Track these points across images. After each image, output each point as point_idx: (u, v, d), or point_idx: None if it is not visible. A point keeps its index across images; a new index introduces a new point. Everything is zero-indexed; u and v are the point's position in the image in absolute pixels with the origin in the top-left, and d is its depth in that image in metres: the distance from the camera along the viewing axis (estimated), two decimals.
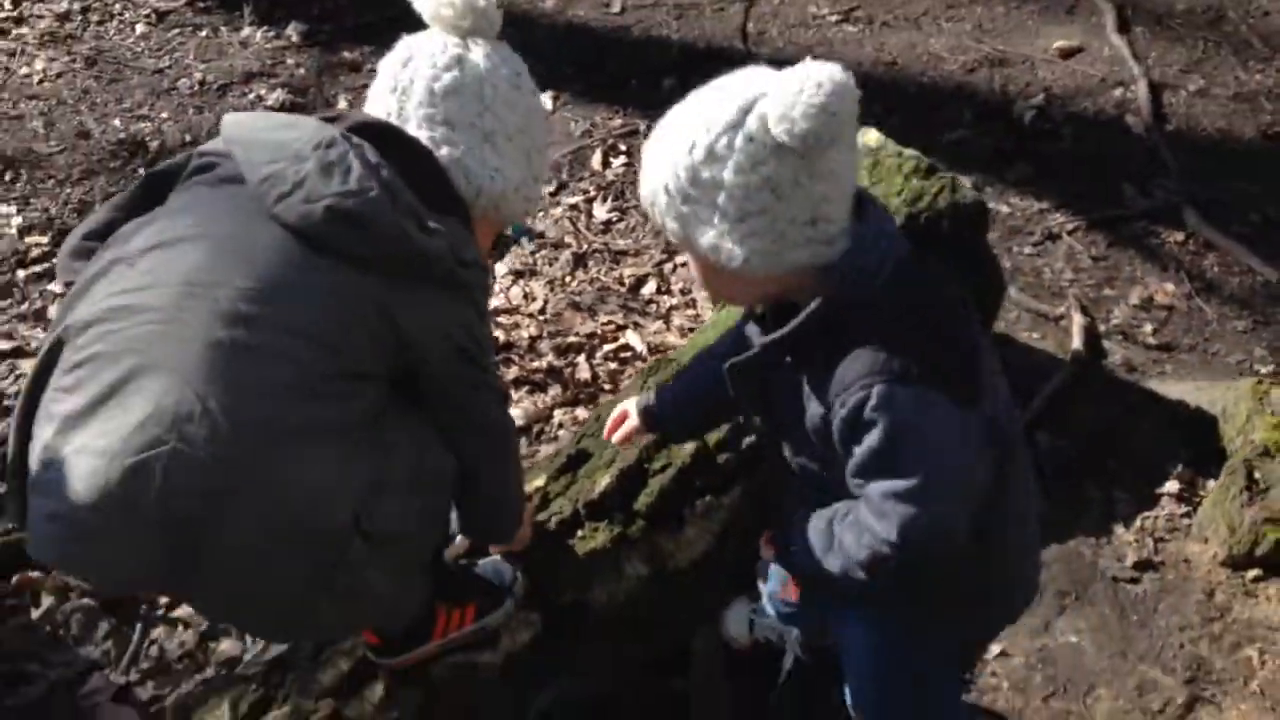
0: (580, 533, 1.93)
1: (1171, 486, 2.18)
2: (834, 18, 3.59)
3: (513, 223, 1.69)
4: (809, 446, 1.32)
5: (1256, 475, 2.02)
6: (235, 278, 1.25)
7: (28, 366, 2.53)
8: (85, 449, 1.19)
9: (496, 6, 1.49)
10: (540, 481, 2.01)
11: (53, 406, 1.25)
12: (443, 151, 1.46)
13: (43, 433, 1.25)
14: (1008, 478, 1.34)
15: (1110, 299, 2.61)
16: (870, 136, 2.32)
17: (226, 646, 2.01)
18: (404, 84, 1.47)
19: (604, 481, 1.96)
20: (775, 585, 1.75)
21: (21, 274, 2.98)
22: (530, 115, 1.53)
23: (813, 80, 1.12)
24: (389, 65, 1.50)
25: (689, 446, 1.98)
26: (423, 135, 1.46)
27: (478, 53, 1.49)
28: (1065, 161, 2.97)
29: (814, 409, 1.26)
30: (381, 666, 1.75)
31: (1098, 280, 2.66)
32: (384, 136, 1.41)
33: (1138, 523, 2.14)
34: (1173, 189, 2.83)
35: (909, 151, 2.27)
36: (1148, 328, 2.53)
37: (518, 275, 2.84)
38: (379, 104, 1.49)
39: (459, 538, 1.92)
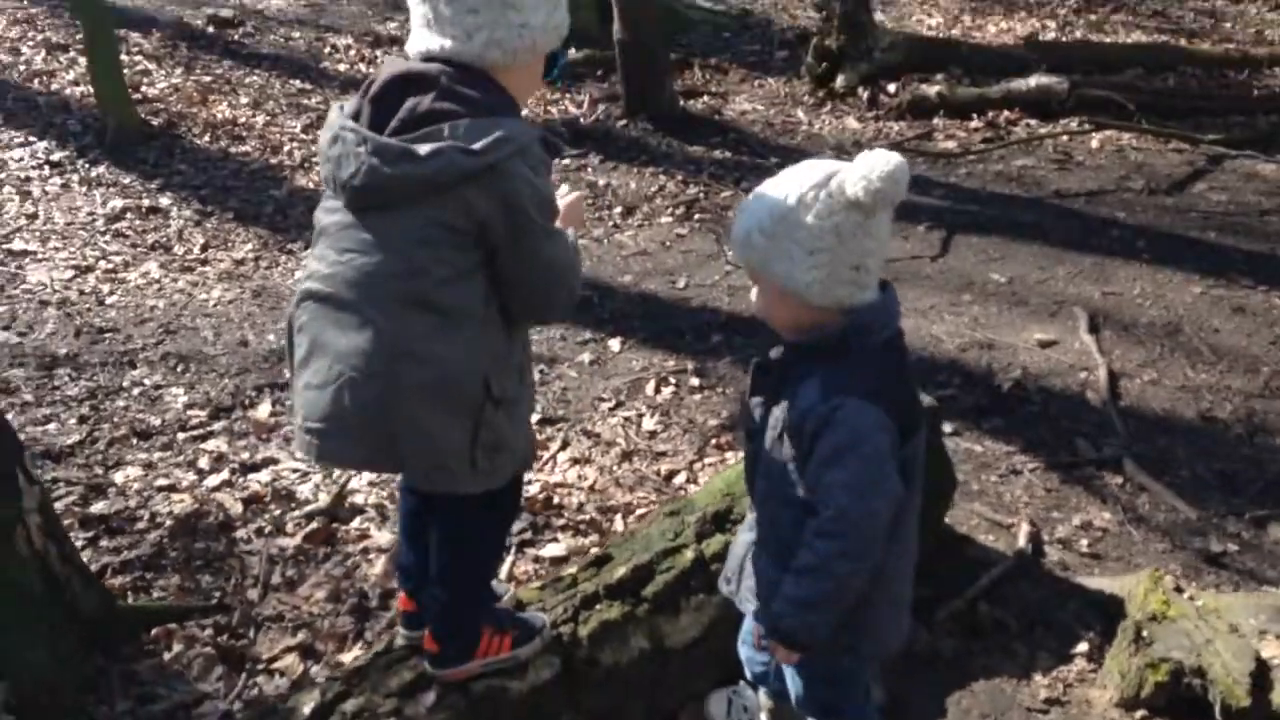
0: (599, 607, 2.48)
1: (1083, 648, 2.66)
2: None
3: (551, 50, 1.94)
4: (777, 453, 1.89)
5: (1144, 633, 2.51)
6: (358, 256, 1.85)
7: (178, 499, 3.29)
8: (307, 385, 1.88)
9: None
10: (573, 570, 2.60)
11: (295, 361, 1.93)
12: (477, 37, 1.81)
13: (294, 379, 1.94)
14: (904, 511, 1.92)
15: (1056, 520, 3.17)
16: None
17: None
18: None
19: (621, 572, 2.54)
20: (747, 635, 2.28)
21: (181, 436, 3.74)
22: None
23: (884, 157, 1.72)
24: None
25: (690, 553, 2.56)
26: (458, 28, 1.81)
27: None
28: (1033, 420, 3.62)
29: (800, 406, 1.80)
30: (435, 677, 2.28)
31: (1048, 506, 3.23)
32: (396, 86, 1.82)
33: (1053, 673, 2.61)
34: (1118, 446, 3.45)
35: None
36: (1084, 542, 3.07)
37: (575, 461, 3.52)
38: (416, 14, 1.85)
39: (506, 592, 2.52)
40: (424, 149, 1.74)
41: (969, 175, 5.63)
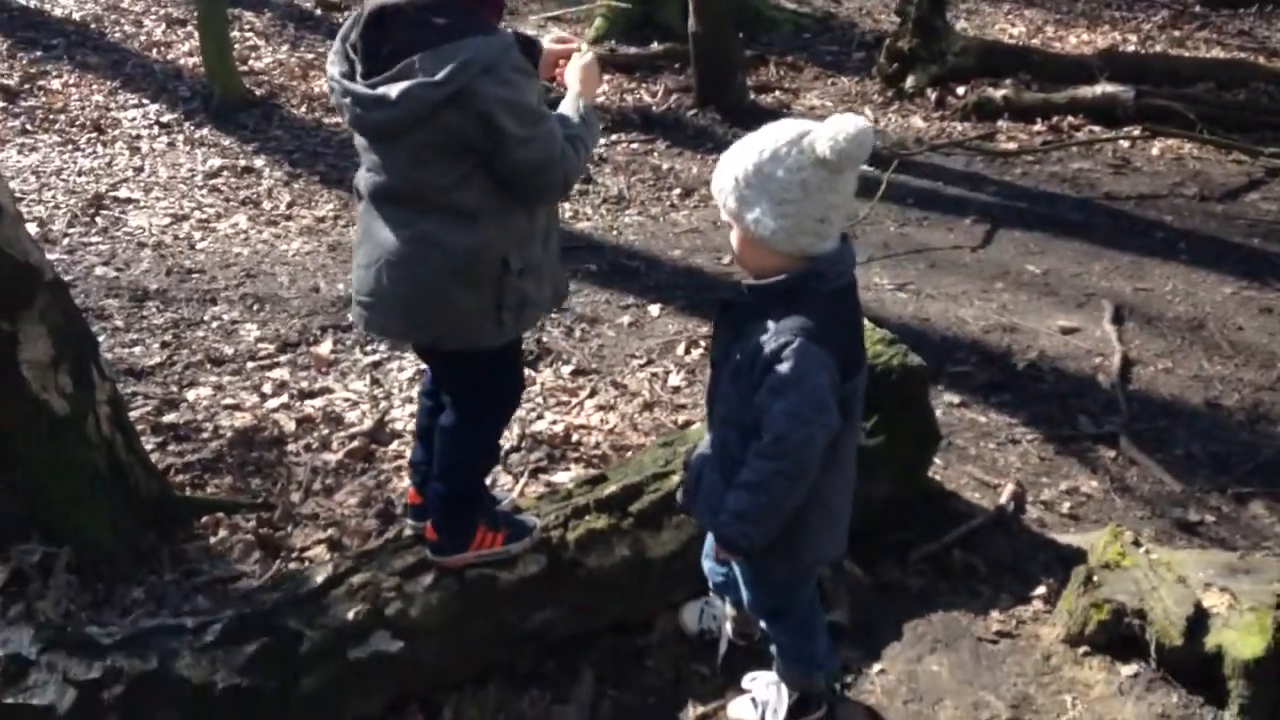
0: (588, 517, 2.73)
1: (1040, 591, 2.82)
2: (890, 287, 4.58)
3: None
4: (733, 383, 2.11)
5: (1095, 578, 2.67)
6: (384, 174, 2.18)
7: (240, 416, 3.64)
8: (358, 265, 2.24)
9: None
10: (571, 486, 2.86)
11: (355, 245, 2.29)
12: None
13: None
14: (843, 439, 2.14)
15: (1044, 484, 3.32)
16: None
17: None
18: None
19: (611, 489, 2.79)
20: (709, 549, 2.51)
21: (250, 364, 4.09)
22: None
23: (851, 120, 1.93)
24: None
25: (676, 478, 2.79)
26: None
27: None
28: (1041, 397, 3.76)
29: (756, 342, 2.01)
30: (434, 563, 2.56)
31: (1039, 472, 3.38)
32: (373, 23, 2.05)
33: (1010, 611, 2.78)
34: (1118, 424, 3.58)
35: (880, 330, 3.13)
36: (1066, 505, 3.23)
37: (599, 408, 3.78)
38: None
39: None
40: (394, 90, 2.01)
41: (1024, 175, 5.75)
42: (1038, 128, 6.28)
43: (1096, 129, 6.15)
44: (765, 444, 2.02)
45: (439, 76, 1.98)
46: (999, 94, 6.40)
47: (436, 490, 2.53)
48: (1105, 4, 8.93)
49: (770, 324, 2.02)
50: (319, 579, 2.56)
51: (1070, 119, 6.25)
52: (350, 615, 2.47)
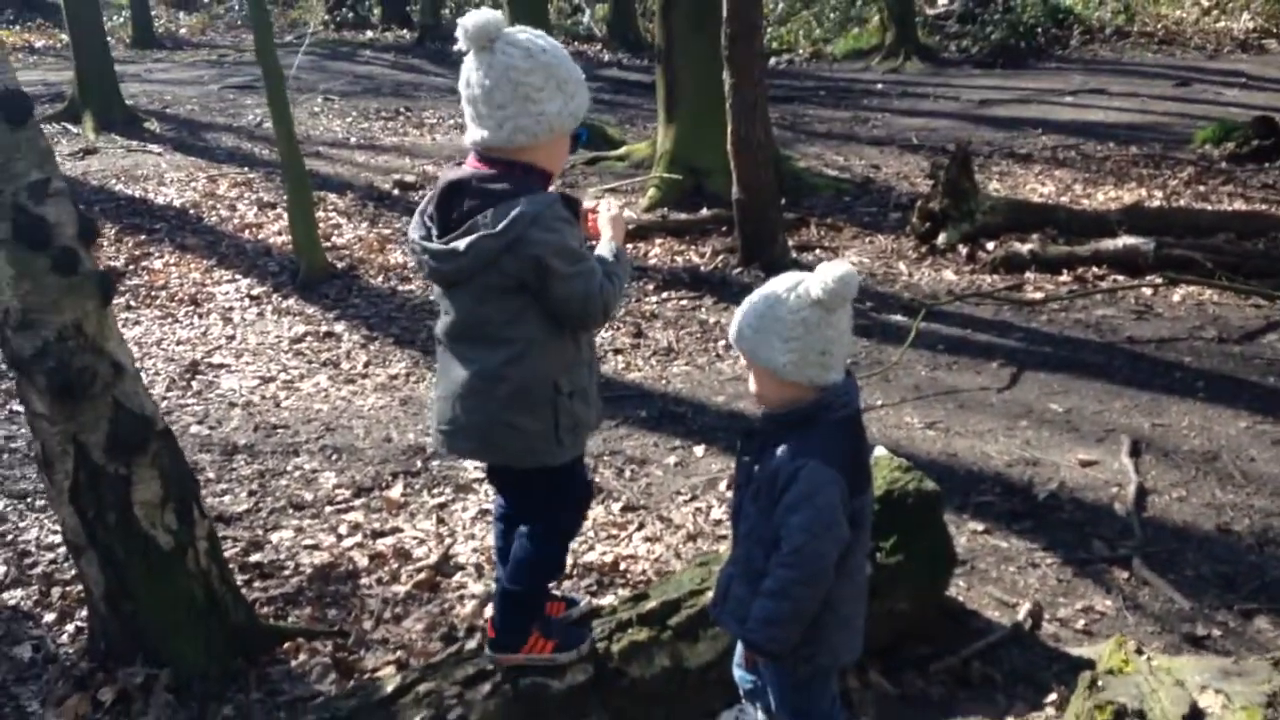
0: (630, 630, 3.03)
1: (1053, 698, 3.04)
2: (920, 426, 4.89)
3: (573, 129, 2.56)
4: (755, 501, 2.44)
5: (1099, 683, 2.88)
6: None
7: (319, 555, 4.01)
8: (436, 398, 2.69)
9: (501, 19, 2.46)
10: (616, 603, 3.16)
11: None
12: (506, 126, 2.41)
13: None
14: (853, 551, 2.45)
15: (1060, 604, 3.55)
16: (879, 452, 3.52)
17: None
18: (467, 97, 2.45)
19: (652, 604, 3.09)
20: (739, 658, 2.79)
21: (328, 508, 4.49)
22: (549, 66, 2.41)
23: (838, 266, 2.32)
24: (463, 85, 2.45)
25: (710, 594, 3.08)
26: (492, 121, 2.42)
27: (500, 56, 2.39)
28: (1059, 525, 4.00)
29: (774, 464, 2.37)
30: (489, 657, 2.89)
31: (1056, 592, 3.61)
32: (446, 194, 2.51)
33: (1025, 715, 3.00)
34: (1132, 548, 3.81)
35: (898, 459, 3.44)
36: (1081, 622, 3.45)
37: (646, 540, 4.09)
38: (466, 113, 2.47)
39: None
40: (462, 244, 2.46)
41: (1049, 322, 6.08)
42: (1063, 278, 6.64)
43: (1120, 278, 6.48)
44: (785, 554, 2.34)
45: (498, 229, 2.42)
46: (1025, 248, 6.79)
47: (501, 589, 2.88)
48: (1133, 163, 9.39)
49: (785, 448, 2.37)
50: (389, 688, 2.89)
51: (1094, 270, 6.61)
52: (418, 719, 2.78)
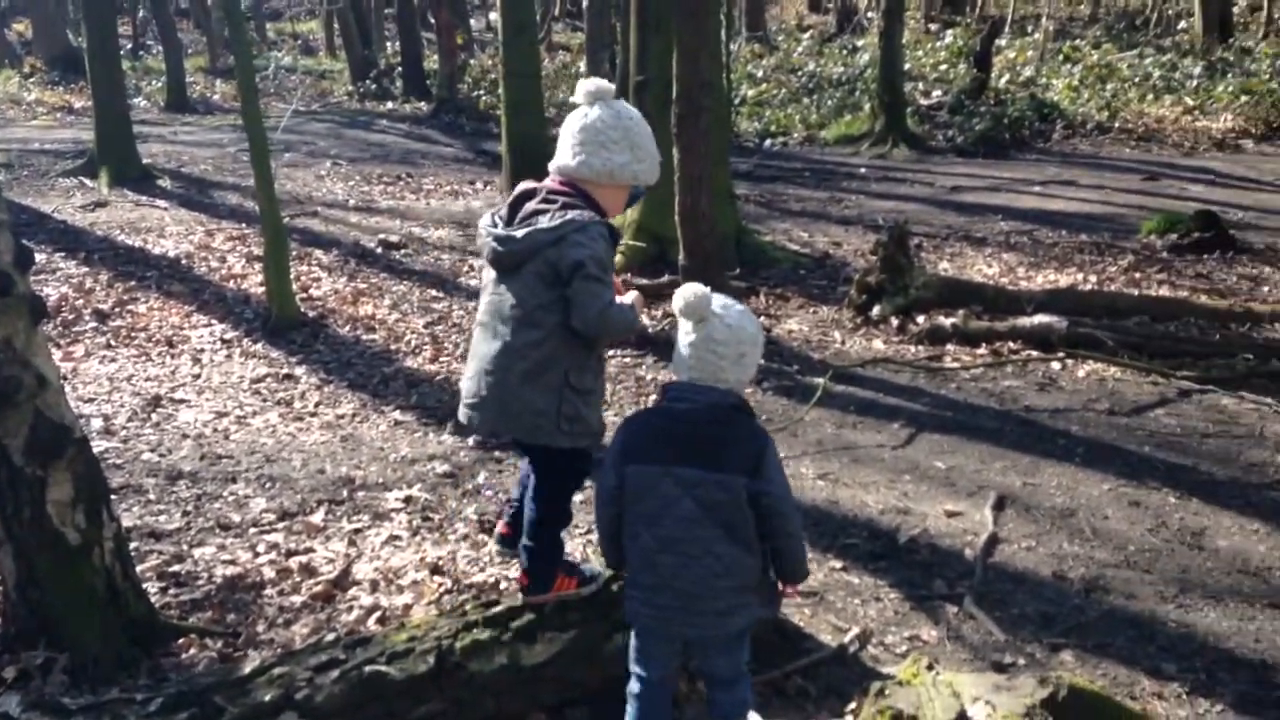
0: (475, 630, 3.37)
1: (853, 705, 3.36)
2: (812, 476, 5.24)
3: (632, 185, 3.23)
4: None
5: (886, 690, 3.20)
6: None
7: (233, 569, 4.37)
8: (465, 376, 3.26)
9: (610, 88, 3.21)
10: (468, 606, 3.51)
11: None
12: (578, 159, 3.11)
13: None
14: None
15: (890, 632, 3.87)
16: None
17: None
18: (566, 133, 3.16)
19: (498, 609, 3.44)
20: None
21: (252, 530, 4.86)
22: (628, 129, 3.12)
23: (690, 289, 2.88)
24: (564, 126, 3.18)
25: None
26: (570, 153, 3.13)
27: (597, 109, 3.13)
28: (912, 565, 4.33)
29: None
30: (526, 601, 3.44)
31: (888, 622, 3.93)
32: (520, 197, 3.18)
33: None
34: (968, 587, 4.12)
35: None
36: (903, 648, 3.75)
37: None
38: (562, 142, 3.17)
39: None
40: (520, 233, 3.07)
41: (957, 389, 6.43)
42: (981, 351, 7.00)
43: (1034, 354, 6.84)
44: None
45: (549, 225, 3.03)
46: (949, 322, 7.17)
47: (525, 546, 3.42)
48: (1079, 250, 9.79)
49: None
50: (246, 669, 3.23)
51: (1010, 344, 6.97)
52: (266, 697, 3.12)
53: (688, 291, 2.88)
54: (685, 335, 2.90)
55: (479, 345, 3.21)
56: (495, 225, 3.16)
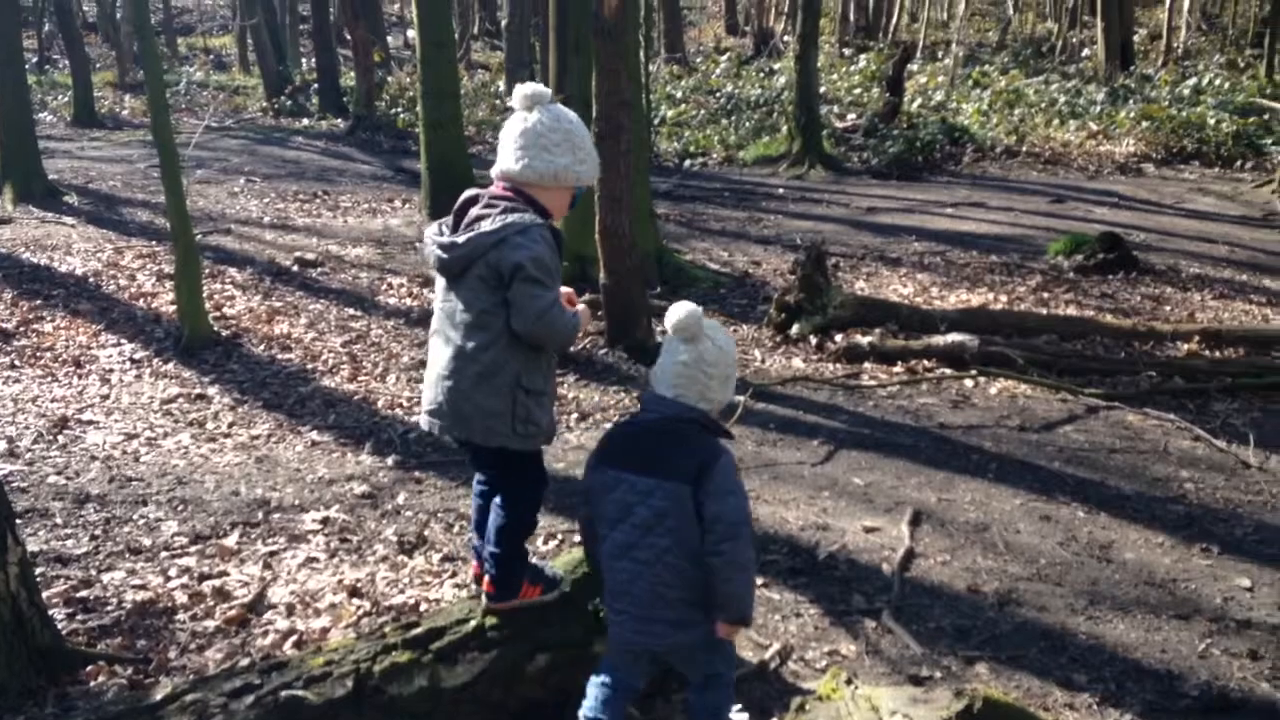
0: (394, 653, 3.33)
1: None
2: None
3: (575, 185, 3.23)
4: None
5: (806, 706, 3.24)
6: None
7: (143, 594, 4.25)
8: (424, 383, 3.22)
9: (546, 92, 3.19)
10: (387, 628, 3.46)
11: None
12: (521, 163, 3.13)
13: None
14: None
15: (810, 647, 3.91)
16: None
17: None
18: (507, 138, 3.18)
19: (418, 630, 3.40)
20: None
21: (163, 554, 4.74)
22: (569, 132, 3.15)
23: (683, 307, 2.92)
24: (503, 132, 3.20)
25: (472, 624, 3.40)
26: (511, 156, 3.14)
27: (536, 113, 3.15)
28: (831, 581, 4.38)
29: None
30: (490, 609, 3.42)
31: (808, 638, 3.97)
32: (465, 203, 3.19)
33: None
34: (885, 602, 4.19)
35: None
36: (823, 663, 3.80)
37: (457, 587, 4.39)
38: (503, 148, 3.18)
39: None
40: (461, 238, 3.09)
41: (875, 407, 6.54)
42: (897, 369, 7.14)
43: (948, 371, 6.99)
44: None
45: (491, 228, 3.06)
46: (866, 340, 7.29)
47: (491, 553, 3.38)
48: (989, 270, 10.05)
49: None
50: (158, 696, 3.15)
51: (925, 363, 7.11)
52: None
53: (681, 310, 2.96)
54: (676, 354, 2.98)
55: (434, 353, 3.25)
56: (441, 234, 3.19)
